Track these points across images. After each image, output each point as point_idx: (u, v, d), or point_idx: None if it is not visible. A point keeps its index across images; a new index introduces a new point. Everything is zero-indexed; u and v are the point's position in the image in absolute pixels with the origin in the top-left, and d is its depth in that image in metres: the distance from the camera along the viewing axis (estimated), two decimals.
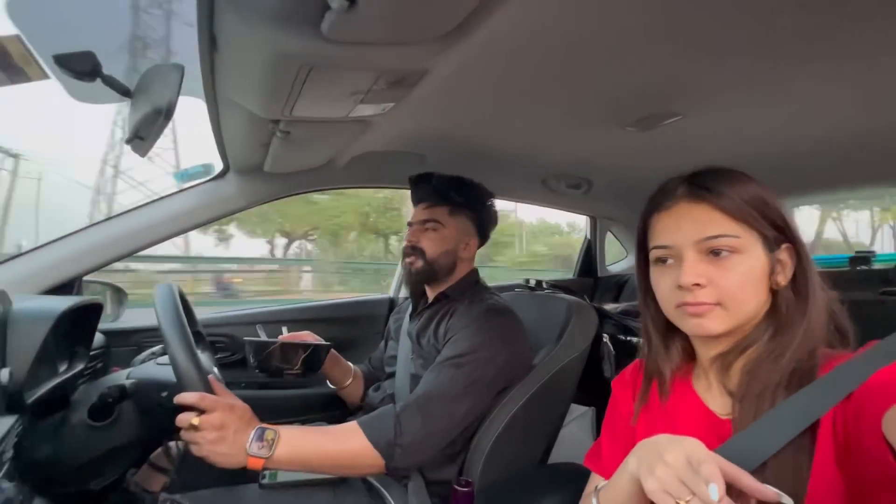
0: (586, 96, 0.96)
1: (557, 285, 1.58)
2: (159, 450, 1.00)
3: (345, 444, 0.80)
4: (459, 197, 1.09)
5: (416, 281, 1.09)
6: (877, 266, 1.54)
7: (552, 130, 1.19)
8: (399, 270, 1.78)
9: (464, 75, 0.81)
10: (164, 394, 0.83)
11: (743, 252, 0.53)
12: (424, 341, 1.03)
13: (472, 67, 0.78)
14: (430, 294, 1.11)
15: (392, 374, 1.10)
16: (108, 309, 1.27)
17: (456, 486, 0.74)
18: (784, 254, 0.54)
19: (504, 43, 0.70)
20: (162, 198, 1.17)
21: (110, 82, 0.56)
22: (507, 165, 1.42)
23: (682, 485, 0.40)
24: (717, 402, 0.58)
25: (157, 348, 1.08)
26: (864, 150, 1.19)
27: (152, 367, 0.89)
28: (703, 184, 0.56)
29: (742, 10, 0.65)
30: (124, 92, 0.56)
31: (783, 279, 0.54)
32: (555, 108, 1.03)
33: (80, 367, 0.84)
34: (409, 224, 1.12)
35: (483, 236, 1.14)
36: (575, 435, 1.30)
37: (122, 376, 0.87)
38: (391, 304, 1.71)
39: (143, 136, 0.57)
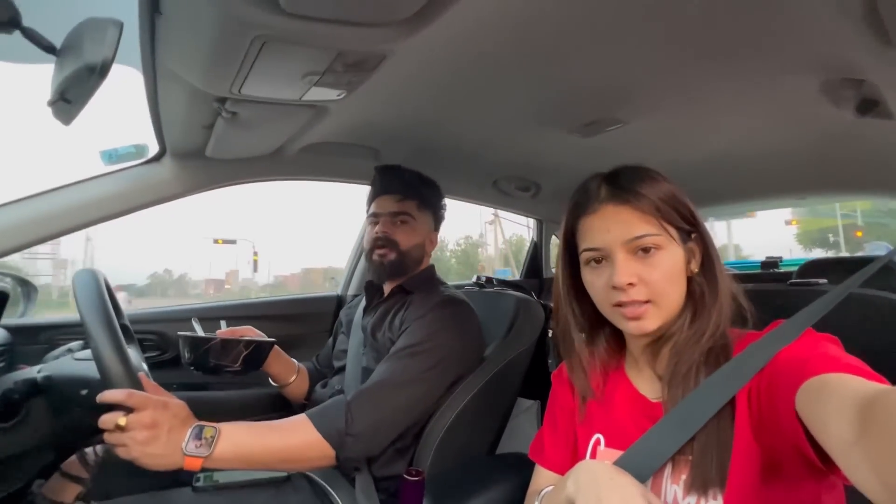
0: (536, 99, 1.00)
1: (507, 284, 1.62)
2: (73, 457, 0.90)
3: (293, 437, 0.77)
4: (427, 192, 1.11)
5: (390, 274, 1.06)
6: (783, 269, 1.75)
7: (504, 132, 1.22)
8: (348, 267, 1.74)
9: (420, 68, 0.81)
10: (85, 392, 0.74)
11: (664, 247, 0.58)
12: (380, 335, 1.01)
13: (428, 60, 0.78)
14: (387, 288, 1.10)
15: (341, 369, 1.07)
16: (15, 303, 1.13)
17: (406, 476, 0.73)
18: (693, 243, 0.60)
19: (460, 37, 0.71)
20: (84, 180, 1.06)
21: (32, 36, 0.50)
22: (461, 165, 1.44)
23: None
24: (648, 386, 0.62)
25: (74, 344, 0.97)
26: (772, 165, 1.34)
27: (69, 362, 0.80)
28: (623, 185, 0.60)
29: (676, 28, 0.71)
30: (48, 48, 0.50)
31: (695, 265, 0.60)
32: (507, 108, 1.06)
33: None
34: (376, 215, 1.08)
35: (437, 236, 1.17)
36: (522, 428, 1.33)
37: (32, 371, 0.77)
38: (339, 301, 1.66)
39: (69, 99, 0.52)
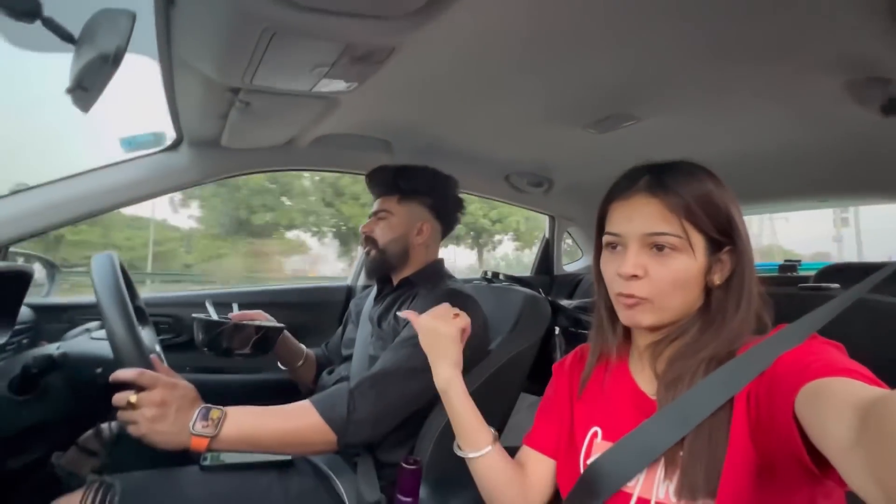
0: (549, 93, 0.99)
1: (516, 279, 1.62)
2: (89, 432, 0.94)
3: (296, 422, 0.78)
4: (407, 184, 1.09)
5: (374, 271, 1.10)
6: (801, 273, 1.71)
7: (516, 126, 1.22)
8: (357, 259, 1.76)
9: (431, 61, 0.81)
10: (99, 370, 0.78)
11: (683, 251, 0.55)
12: (385, 324, 1.03)
13: (438, 53, 0.78)
14: (395, 279, 1.12)
15: (348, 358, 1.09)
16: (39, 283, 1.18)
17: (403, 464, 0.74)
18: (725, 255, 0.57)
19: (470, 31, 0.71)
20: (105, 166, 1.10)
21: (52, 26, 0.52)
22: (473, 159, 1.44)
23: None
24: (649, 384, 0.62)
25: (92, 324, 1.01)
26: (792, 166, 1.30)
27: (86, 341, 0.83)
28: (662, 179, 0.57)
29: (695, 25, 0.70)
30: (67, 38, 0.52)
31: (719, 278, 0.57)
32: (519, 103, 1.05)
33: (1, 340, 0.78)
34: (368, 217, 1.13)
35: (445, 222, 1.14)
36: (524, 423, 1.33)
37: (51, 348, 0.81)
38: (348, 291, 1.69)
39: (86, 87, 0.53)
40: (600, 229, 0.64)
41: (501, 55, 0.81)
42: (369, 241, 1.09)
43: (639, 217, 0.57)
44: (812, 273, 1.64)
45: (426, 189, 1.11)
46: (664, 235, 0.56)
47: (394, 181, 1.10)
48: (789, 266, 1.72)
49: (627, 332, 0.67)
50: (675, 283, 0.56)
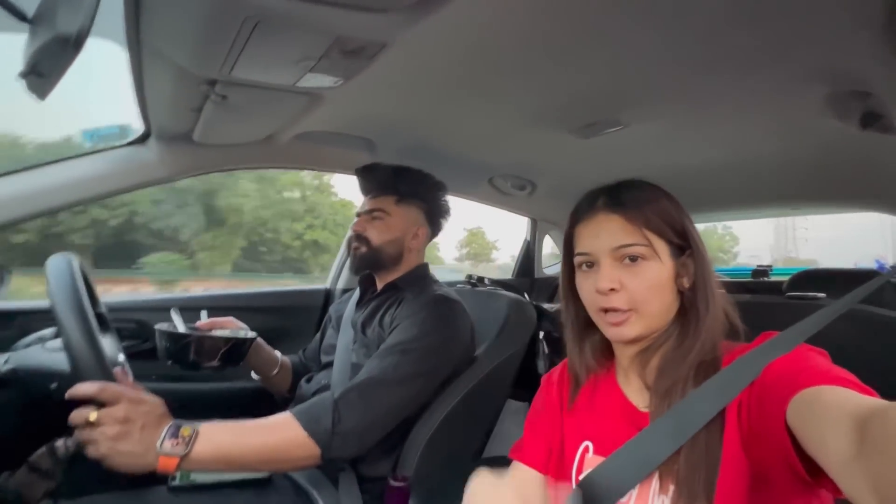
0: (536, 97, 0.98)
1: (498, 283, 1.60)
2: (42, 449, 0.86)
3: (277, 436, 0.74)
4: (406, 186, 1.08)
5: (361, 267, 1.07)
6: (773, 278, 1.77)
7: (502, 129, 1.20)
8: (337, 262, 1.71)
9: (420, 59, 0.79)
10: (54, 385, 0.71)
11: (651, 259, 0.59)
12: (369, 330, 0.99)
13: (428, 51, 0.76)
14: (379, 284, 1.09)
15: (328, 364, 1.05)
16: None
17: (391, 482, 0.71)
18: (688, 259, 0.60)
19: (461, 30, 0.69)
20: (64, 159, 1.01)
21: (2, 2, 0.46)
22: (457, 160, 1.41)
23: None
24: (638, 396, 0.62)
25: (46, 332, 0.92)
26: (771, 174, 1.34)
27: (38, 353, 0.76)
28: (619, 197, 0.62)
29: (683, 34, 0.70)
30: (20, 16, 0.47)
31: (687, 282, 0.60)
32: (506, 106, 1.04)
33: None
34: (357, 215, 1.10)
35: (434, 227, 1.13)
36: (510, 431, 1.32)
37: None
38: (327, 295, 1.63)
39: (42, 72, 0.48)
40: (569, 252, 0.66)
41: (492, 57, 0.80)
42: (360, 239, 1.05)
43: (605, 233, 0.60)
44: (783, 279, 1.71)
45: (424, 193, 1.09)
46: (632, 247, 0.59)
47: (393, 182, 1.07)
48: (762, 271, 1.80)
49: (608, 346, 0.67)
50: (651, 290, 0.58)
